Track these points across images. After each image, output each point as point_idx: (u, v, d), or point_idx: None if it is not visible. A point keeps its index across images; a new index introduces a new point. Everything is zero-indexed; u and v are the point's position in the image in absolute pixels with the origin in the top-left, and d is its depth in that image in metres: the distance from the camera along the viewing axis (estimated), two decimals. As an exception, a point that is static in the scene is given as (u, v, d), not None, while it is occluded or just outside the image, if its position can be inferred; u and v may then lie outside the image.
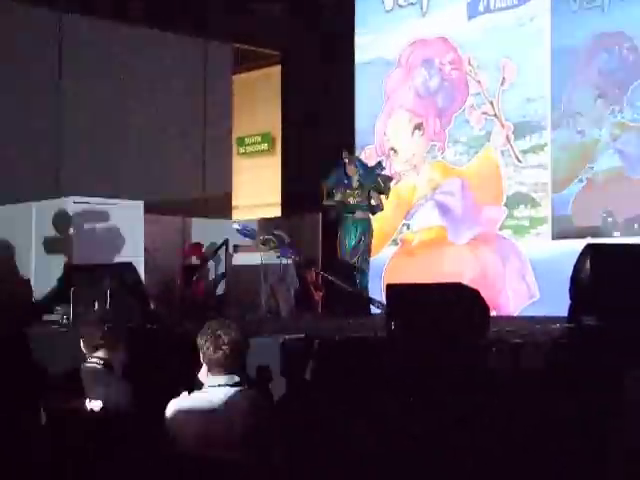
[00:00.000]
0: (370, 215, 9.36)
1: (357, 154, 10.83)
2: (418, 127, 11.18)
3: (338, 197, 9.29)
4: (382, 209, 9.43)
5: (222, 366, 3.86)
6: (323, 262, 10.84)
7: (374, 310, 8.75)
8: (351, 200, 9.23)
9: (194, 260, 11.29)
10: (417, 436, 4.11)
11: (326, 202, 9.46)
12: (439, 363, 4.45)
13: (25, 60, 12.62)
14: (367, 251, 9.33)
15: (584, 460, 3.75)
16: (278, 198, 13.76)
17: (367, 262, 9.32)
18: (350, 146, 11.20)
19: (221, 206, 14.41)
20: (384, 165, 10.02)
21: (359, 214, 9.26)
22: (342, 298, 9.04)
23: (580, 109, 9.68)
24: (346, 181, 9.29)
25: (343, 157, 9.39)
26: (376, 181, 9.33)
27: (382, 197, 9.44)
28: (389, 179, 9.61)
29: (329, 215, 9.62)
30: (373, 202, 9.34)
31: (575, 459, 3.83)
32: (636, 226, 9.21)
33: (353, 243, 9.19)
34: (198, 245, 11.53)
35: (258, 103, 16.34)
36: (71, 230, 9.85)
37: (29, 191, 11.39)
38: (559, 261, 8.73)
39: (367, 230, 9.30)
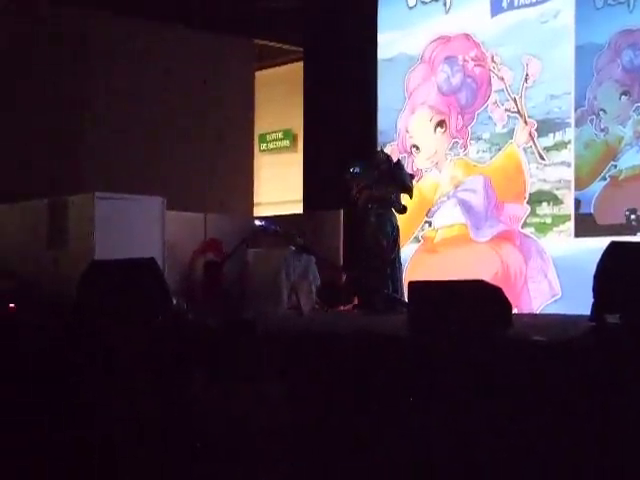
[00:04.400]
0: (393, 211, 9.28)
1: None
2: (440, 124, 11.14)
3: (363, 195, 9.19)
4: (405, 211, 9.34)
5: None
6: (345, 258, 10.82)
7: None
8: (378, 194, 9.13)
9: (212, 256, 11.31)
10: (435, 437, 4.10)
11: (355, 191, 9.30)
12: (458, 360, 4.43)
13: (50, 58, 12.71)
14: (398, 244, 9.26)
15: (604, 453, 3.73)
16: (300, 195, 13.76)
17: (399, 257, 9.27)
18: (372, 143, 11.19)
19: (243, 202, 14.45)
20: (403, 163, 10.00)
21: (383, 211, 9.15)
22: (372, 296, 9.02)
23: (604, 106, 9.62)
24: (373, 175, 9.20)
25: (380, 154, 9.34)
26: (404, 178, 9.24)
27: (404, 197, 9.35)
28: (412, 177, 9.53)
29: (356, 205, 9.44)
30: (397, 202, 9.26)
31: (592, 455, 3.81)
32: (660, 224, 9.15)
33: (391, 235, 9.07)
34: (215, 241, 11.55)
35: (280, 100, 16.35)
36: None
37: (51, 186, 11.48)
38: (581, 259, 8.70)
39: (396, 225, 9.22)
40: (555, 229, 9.95)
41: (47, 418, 3.84)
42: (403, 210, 9.29)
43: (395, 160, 9.74)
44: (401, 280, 9.13)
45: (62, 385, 4.26)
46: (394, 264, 9.11)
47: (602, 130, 9.64)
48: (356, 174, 9.31)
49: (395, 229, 9.16)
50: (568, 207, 9.84)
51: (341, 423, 4.52)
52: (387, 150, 11.14)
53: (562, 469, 3.88)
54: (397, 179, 9.24)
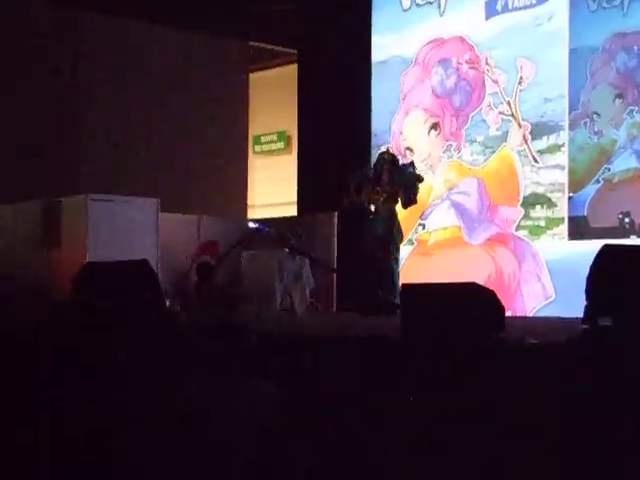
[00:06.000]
0: (396, 210, 9.22)
1: (373, 153, 10.81)
2: (434, 127, 11.15)
3: (363, 195, 9.20)
4: (415, 202, 9.30)
5: None
6: (339, 261, 10.83)
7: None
8: (378, 198, 9.13)
9: (209, 258, 11.31)
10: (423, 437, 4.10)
11: (348, 200, 9.32)
12: (450, 363, 4.44)
13: (42, 59, 12.71)
14: (397, 245, 9.22)
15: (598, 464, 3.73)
16: (294, 197, 13.76)
17: (397, 258, 9.23)
18: (366, 145, 11.20)
19: (237, 204, 14.45)
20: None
21: (383, 212, 9.15)
22: (360, 297, 9.02)
23: (598, 109, 9.63)
24: (375, 178, 9.20)
25: (385, 156, 9.31)
26: (409, 179, 9.22)
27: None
28: (420, 179, 9.46)
29: (347, 209, 9.46)
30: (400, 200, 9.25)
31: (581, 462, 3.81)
32: (653, 227, 9.17)
33: (379, 234, 9.05)
34: (213, 243, 11.55)
35: (274, 101, 16.36)
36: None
37: (47, 188, 11.46)
38: (575, 262, 8.71)
39: (394, 225, 9.17)
40: (549, 232, 9.97)
41: (38, 419, 3.84)
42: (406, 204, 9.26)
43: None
44: (396, 282, 9.11)
45: (53, 387, 4.26)
46: (390, 266, 9.10)
47: (596, 133, 9.65)
48: (358, 174, 9.32)
49: (390, 231, 9.13)
50: (562, 210, 9.86)
51: (333, 424, 4.52)
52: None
53: (554, 472, 3.88)
54: (400, 180, 9.22)
